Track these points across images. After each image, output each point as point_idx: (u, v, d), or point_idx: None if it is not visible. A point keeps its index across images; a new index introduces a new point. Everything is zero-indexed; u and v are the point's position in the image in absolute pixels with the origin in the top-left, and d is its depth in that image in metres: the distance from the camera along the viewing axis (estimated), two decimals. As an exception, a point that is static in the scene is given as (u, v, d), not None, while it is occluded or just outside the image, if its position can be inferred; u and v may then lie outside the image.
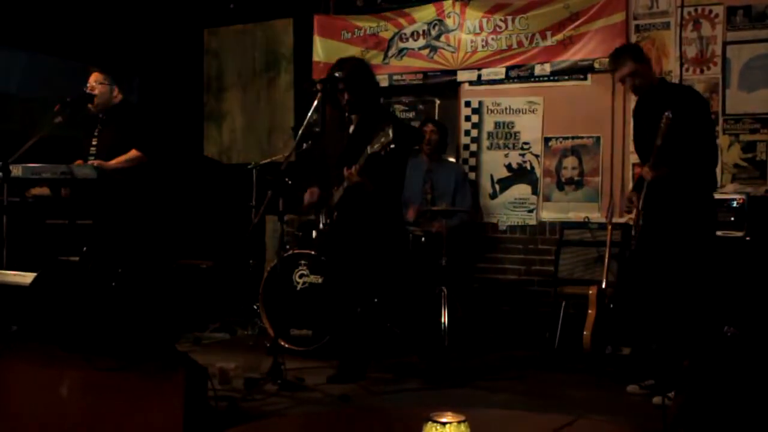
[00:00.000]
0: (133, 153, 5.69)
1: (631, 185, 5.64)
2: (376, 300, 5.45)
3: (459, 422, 2.11)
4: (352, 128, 5.16)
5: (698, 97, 4.96)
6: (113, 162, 5.62)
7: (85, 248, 5.24)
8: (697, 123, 4.76)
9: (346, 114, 5.22)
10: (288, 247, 6.26)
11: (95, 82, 5.89)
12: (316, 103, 5.21)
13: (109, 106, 5.91)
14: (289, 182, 5.72)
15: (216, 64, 8.46)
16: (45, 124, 5.54)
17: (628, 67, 4.86)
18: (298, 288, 5.97)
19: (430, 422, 2.11)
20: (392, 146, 4.68)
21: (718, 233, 5.13)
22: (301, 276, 5.98)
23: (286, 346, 5.74)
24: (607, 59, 6.46)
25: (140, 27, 7.85)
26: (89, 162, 5.68)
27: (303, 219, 6.55)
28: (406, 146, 5.21)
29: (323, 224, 5.29)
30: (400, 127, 5.09)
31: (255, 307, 6.29)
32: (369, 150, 4.80)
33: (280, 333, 5.55)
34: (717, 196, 5.38)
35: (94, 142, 5.91)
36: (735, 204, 5.42)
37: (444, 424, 2.10)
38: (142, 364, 3.70)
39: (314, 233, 5.53)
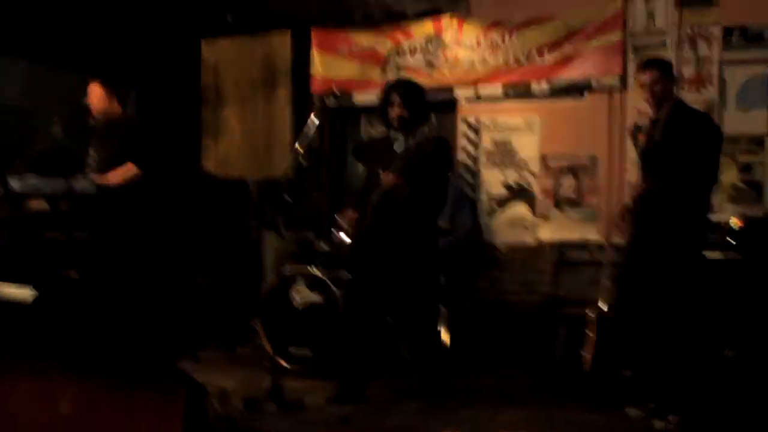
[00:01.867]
0: (129, 167, 5.68)
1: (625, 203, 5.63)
2: (387, 318, 5.50)
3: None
4: (398, 145, 5.19)
5: (711, 125, 4.97)
6: (110, 176, 5.59)
7: (84, 263, 5.23)
8: (698, 143, 4.75)
9: (394, 129, 5.26)
10: (286, 264, 6.23)
11: (94, 95, 5.88)
12: (315, 120, 5.23)
13: (108, 119, 5.90)
14: (288, 199, 5.72)
15: (214, 76, 8.43)
16: (44, 136, 5.53)
17: (654, 75, 4.88)
18: (297, 306, 5.95)
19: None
20: (428, 143, 4.90)
21: (716, 256, 5.15)
22: (299, 294, 5.96)
23: (285, 365, 5.73)
24: (604, 78, 6.58)
25: (138, 39, 7.83)
26: (89, 175, 5.66)
27: (302, 236, 6.53)
28: (445, 155, 5.30)
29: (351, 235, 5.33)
30: (443, 141, 5.33)
31: (253, 324, 6.27)
32: (412, 143, 4.97)
33: (278, 351, 5.54)
34: (714, 218, 5.40)
35: (92, 154, 5.90)
36: (734, 226, 5.42)
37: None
38: (141, 382, 3.69)
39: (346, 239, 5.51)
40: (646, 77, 4.93)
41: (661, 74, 4.89)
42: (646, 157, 4.95)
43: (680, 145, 4.69)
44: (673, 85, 5.00)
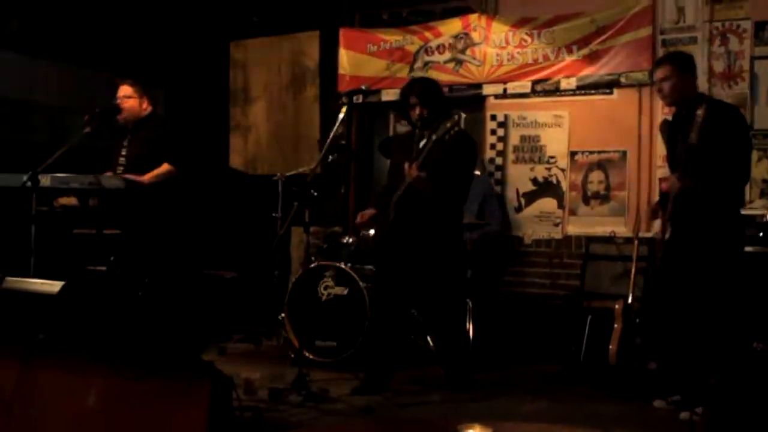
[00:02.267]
0: (165, 167, 5.74)
1: (657, 200, 5.59)
2: (412, 311, 5.50)
3: (488, 433, 2.10)
4: (422, 143, 5.18)
5: (736, 115, 4.91)
6: (147, 176, 5.65)
7: (112, 258, 5.28)
8: (733, 140, 4.70)
9: (417, 130, 5.28)
10: (313, 258, 6.27)
11: (124, 95, 5.95)
12: (341, 115, 5.26)
13: (137, 117, 5.96)
14: (315, 194, 5.74)
15: (242, 76, 8.50)
16: (74, 134, 5.58)
17: (663, 71, 4.85)
18: (323, 299, 5.98)
19: (459, 433, 2.11)
20: (456, 129, 4.89)
21: (747, 249, 5.10)
22: (326, 287, 5.99)
23: (311, 357, 5.77)
24: (633, 74, 6.54)
25: (167, 39, 7.91)
26: (119, 173, 5.72)
27: (328, 231, 6.56)
28: (468, 150, 5.29)
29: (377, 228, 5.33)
30: (464, 135, 5.37)
31: (280, 318, 6.31)
32: (434, 137, 4.93)
33: (304, 344, 5.57)
34: (745, 211, 5.34)
35: (123, 153, 5.95)
36: (764, 220, 5.37)
37: (473, 435, 2.09)
38: (167, 373, 3.72)
39: (371, 233, 5.54)
40: (658, 73, 4.91)
41: (673, 70, 4.82)
42: (679, 154, 4.87)
43: (715, 148, 4.62)
44: (691, 81, 4.90)
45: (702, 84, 6.21)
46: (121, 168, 5.88)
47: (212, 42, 8.35)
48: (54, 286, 4.35)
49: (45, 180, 5.20)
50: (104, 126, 5.86)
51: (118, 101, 5.92)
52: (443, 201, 5.15)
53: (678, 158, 4.81)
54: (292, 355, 5.64)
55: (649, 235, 5.93)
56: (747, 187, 5.86)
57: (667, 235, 4.87)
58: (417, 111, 5.17)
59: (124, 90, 5.96)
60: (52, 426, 3.87)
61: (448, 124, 4.89)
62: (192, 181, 5.98)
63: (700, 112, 4.55)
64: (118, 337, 4.03)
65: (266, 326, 6.85)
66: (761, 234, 5.33)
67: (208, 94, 8.33)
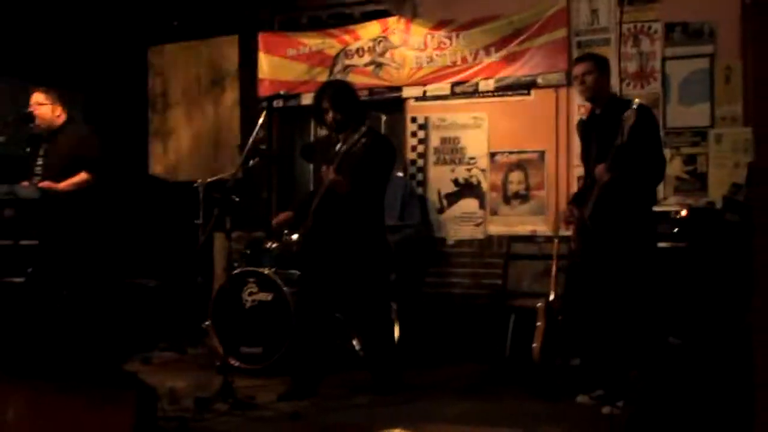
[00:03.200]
0: (82, 175, 5.64)
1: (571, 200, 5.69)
2: (338, 315, 5.53)
3: (413, 437, 2.12)
4: (339, 146, 5.18)
5: (649, 113, 5.04)
6: (62, 185, 5.55)
7: (29, 269, 5.18)
8: (651, 139, 4.83)
9: (334, 135, 5.29)
10: (236, 264, 6.22)
11: (36, 102, 5.84)
12: (261, 120, 5.24)
13: (52, 125, 5.85)
14: (237, 200, 5.70)
15: (161, 81, 8.40)
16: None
17: (586, 66, 4.99)
18: (248, 306, 5.95)
19: (384, 438, 2.12)
20: (364, 140, 4.89)
21: (661, 245, 5.23)
22: (250, 294, 5.95)
23: (237, 364, 5.73)
24: (550, 75, 6.66)
25: (84, 45, 7.76)
26: (35, 182, 5.61)
27: (251, 236, 6.53)
28: (383, 152, 5.27)
29: (298, 235, 5.33)
30: (379, 137, 5.36)
31: (204, 325, 6.25)
32: (344, 147, 4.95)
33: (229, 351, 5.53)
34: (660, 208, 5.48)
35: (39, 162, 5.84)
36: (677, 216, 5.51)
37: (398, 439, 2.11)
38: (89, 386, 3.66)
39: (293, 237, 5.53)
40: (578, 68, 5.04)
41: (594, 65, 4.99)
42: (590, 154, 5.00)
43: (639, 144, 4.72)
44: (606, 80, 5.08)
45: (615, 84, 6.34)
46: (38, 177, 5.78)
47: (131, 47, 8.23)
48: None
49: (-41, 191, 5.08)
50: (18, 134, 5.75)
51: (31, 108, 5.81)
52: (361, 203, 5.16)
53: (598, 155, 4.90)
54: (218, 363, 5.58)
55: (568, 233, 6.03)
56: (661, 185, 6.02)
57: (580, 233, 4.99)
58: (330, 115, 5.17)
59: (37, 97, 5.86)
60: (-30, 444, 3.78)
61: (356, 135, 4.92)
62: (110, 189, 5.89)
63: (629, 113, 4.63)
64: (37, 350, 3.96)
65: (191, 334, 6.78)
66: (675, 230, 5.47)
67: (127, 99, 8.21)
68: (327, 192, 5.07)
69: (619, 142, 4.65)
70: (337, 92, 5.25)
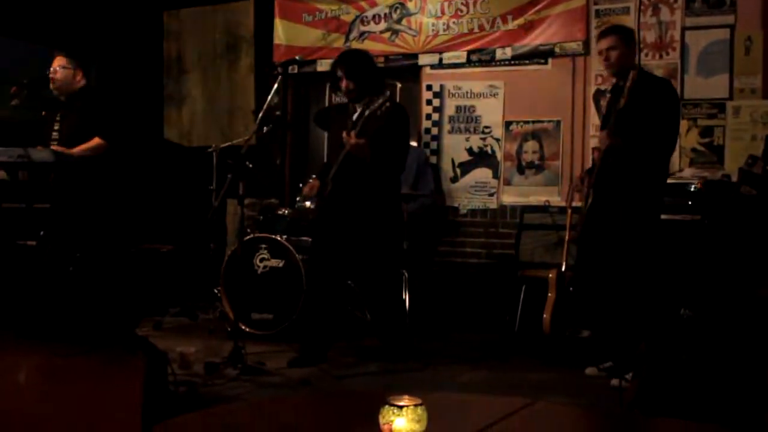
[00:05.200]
0: (96, 141, 5.63)
1: (586, 169, 5.66)
2: (348, 282, 5.54)
3: (416, 406, 2.12)
4: (355, 116, 5.15)
5: (671, 91, 4.99)
6: (76, 150, 5.55)
7: (42, 233, 5.19)
8: (660, 110, 4.78)
9: (350, 103, 5.26)
10: (248, 230, 6.23)
11: (58, 66, 5.82)
12: (276, 86, 5.22)
13: (71, 90, 5.84)
14: (250, 166, 5.70)
15: (176, 46, 8.38)
16: (1, 107, 5.47)
17: (610, 41, 4.91)
18: (259, 272, 5.96)
19: (387, 406, 2.12)
20: (388, 104, 4.83)
21: (676, 217, 5.19)
22: (261, 260, 5.97)
23: (247, 330, 5.75)
24: (568, 44, 6.60)
25: (99, 10, 7.74)
26: (51, 147, 5.61)
27: (264, 203, 6.52)
28: (402, 121, 5.25)
29: (316, 201, 5.32)
30: (399, 105, 5.32)
31: (216, 291, 6.27)
32: (366, 112, 4.89)
33: (241, 317, 5.55)
34: (674, 180, 5.44)
35: (56, 127, 5.84)
36: (692, 188, 5.47)
37: (401, 407, 2.10)
38: (101, 350, 3.68)
39: (307, 204, 5.52)
40: (603, 43, 4.96)
41: (619, 40, 4.91)
42: (608, 123, 4.96)
43: (643, 113, 4.70)
44: (632, 52, 5.01)
45: (633, 54, 6.30)
46: (55, 142, 5.77)
47: (145, 12, 8.20)
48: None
49: (-27, 154, 5.09)
50: (34, 98, 5.74)
51: (52, 71, 5.79)
52: (381, 171, 5.15)
53: (606, 125, 4.89)
54: (229, 329, 5.61)
55: (581, 204, 6.00)
56: (676, 156, 5.98)
57: (589, 201, 4.96)
58: (344, 84, 5.14)
59: (59, 60, 5.84)
60: (-18, 405, 3.81)
61: (380, 100, 4.85)
62: (125, 154, 5.89)
63: (629, 77, 4.61)
64: (49, 313, 3.98)
65: (202, 300, 6.82)
66: (690, 202, 5.43)
67: (141, 65, 8.19)
68: (346, 157, 5.05)
69: (619, 106, 4.63)
70: (353, 61, 5.21)
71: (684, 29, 6.31)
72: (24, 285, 4.86)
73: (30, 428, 3.67)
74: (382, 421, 2.12)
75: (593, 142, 6.31)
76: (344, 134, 4.99)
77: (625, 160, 4.77)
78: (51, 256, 5.12)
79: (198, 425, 2.40)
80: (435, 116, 7.16)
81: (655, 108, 4.74)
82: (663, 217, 5.06)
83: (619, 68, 4.93)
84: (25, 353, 3.76)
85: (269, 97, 5.17)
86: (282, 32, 7.69)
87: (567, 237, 5.54)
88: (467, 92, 7.05)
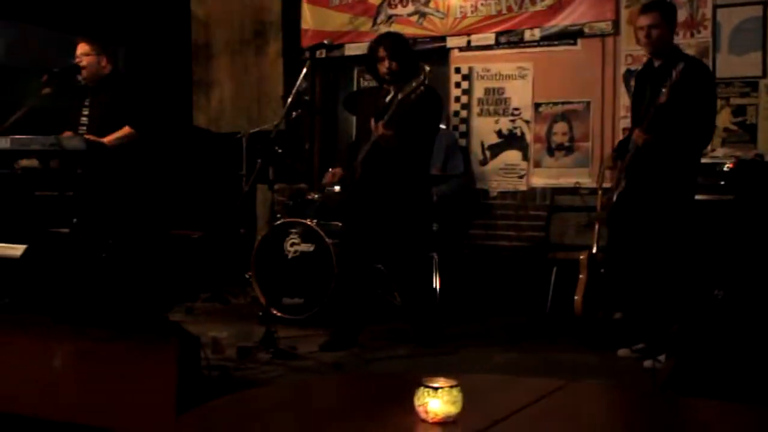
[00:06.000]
0: (127, 130, 5.65)
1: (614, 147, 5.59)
2: (379, 266, 5.56)
3: (451, 387, 2.12)
4: (389, 98, 5.14)
5: (708, 73, 4.89)
6: (107, 140, 5.58)
7: (75, 220, 5.23)
8: (701, 101, 4.68)
9: (385, 85, 5.25)
10: (279, 215, 6.25)
11: (82, 53, 5.83)
12: (304, 71, 5.21)
13: (98, 77, 5.85)
14: (279, 151, 5.71)
15: (204, 32, 8.39)
16: (33, 95, 5.50)
17: (653, 18, 4.74)
18: (290, 257, 5.98)
19: (422, 387, 2.12)
20: (422, 89, 4.80)
21: (708, 197, 5.14)
22: (292, 244, 5.98)
23: (279, 314, 5.77)
24: (597, 24, 6.53)
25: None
26: (81, 134, 5.64)
27: (294, 188, 6.54)
28: (434, 105, 5.27)
29: (343, 185, 5.35)
30: (432, 90, 5.25)
31: (247, 276, 6.30)
32: (399, 96, 4.87)
33: (272, 302, 5.57)
34: (707, 160, 5.38)
35: (85, 113, 5.87)
36: (725, 168, 5.41)
37: (436, 389, 2.10)
38: (134, 335, 3.71)
39: (336, 189, 5.54)
40: (644, 19, 4.77)
41: (661, 18, 4.75)
42: (646, 107, 4.84)
43: (684, 109, 4.60)
44: (673, 32, 4.89)
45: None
46: (84, 129, 5.80)
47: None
48: (17, 249, 4.32)
49: (5, 142, 5.12)
50: (64, 86, 5.77)
51: (78, 59, 5.82)
52: (409, 157, 5.14)
53: (644, 112, 4.79)
54: (260, 313, 5.63)
55: (610, 185, 5.96)
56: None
57: (621, 186, 4.90)
58: (386, 64, 5.12)
59: (82, 48, 5.85)
60: (19, 391, 3.85)
61: (414, 84, 4.82)
62: (155, 141, 5.91)
63: (678, 69, 4.48)
64: (83, 299, 4.01)
65: (233, 285, 6.85)
66: (722, 182, 5.37)
67: (170, 50, 8.22)
68: (374, 145, 5.04)
69: (660, 101, 4.52)
70: (397, 42, 5.22)
71: (715, 7, 6.22)
72: (58, 272, 4.91)
73: (65, 412, 3.71)
74: (417, 402, 2.12)
75: (623, 123, 6.27)
76: (372, 124, 4.98)
77: (662, 152, 4.70)
78: (84, 244, 5.16)
79: (231, 409, 2.41)
80: (464, 99, 7.13)
81: (696, 103, 4.63)
82: (696, 197, 5.00)
83: (658, 48, 4.80)
84: (61, 339, 3.80)
85: (297, 82, 5.16)
86: (309, 17, 7.68)
87: (598, 218, 5.50)
88: (496, 74, 7.01)
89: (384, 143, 4.97)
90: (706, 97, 4.75)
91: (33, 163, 5.47)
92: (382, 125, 4.93)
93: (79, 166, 5.41)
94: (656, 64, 4.87)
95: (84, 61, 5.80)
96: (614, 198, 4.95)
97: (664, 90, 4.50)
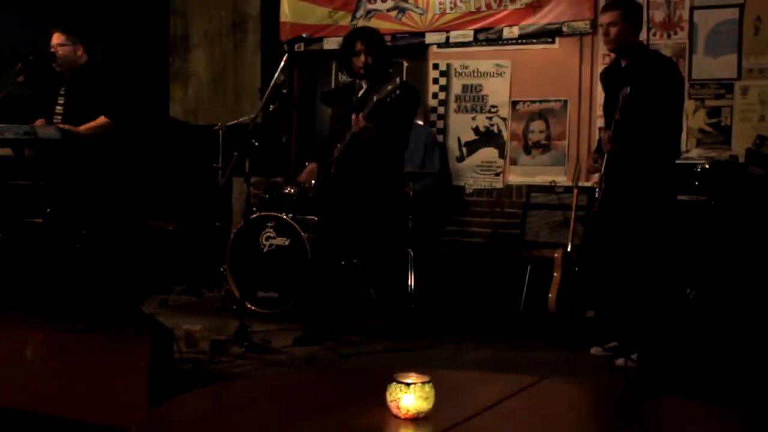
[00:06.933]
0: (102, 119, 5.62)
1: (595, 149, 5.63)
2: (354, 261, 5.55)
3: (423, 383, 2.12)
4: (361, 93, 5.16)
5: (672, 69, 4.90)
6: (82, 128, 5.54)
7: (49, 210, 5.20)
8: (664, 95, 4.71)
9: (358, 80, 5.25)
10: (254, 209, 6.23)
11: (57, 43, 5.79)
12: (282, 64, 5.20)
13: (74, 66, 5.82)
14: (256, 144, 5.69)
15: (182, 23, 8.34)
16: (6, 83, 5.45)
17: (611, 16, 4.78)
18: (265, 250, 5.97)
19: (395, 383, 2.12)
20: (398, 92, 4.78)
21: (683, 198, 5.18)
22: (267, 238, 5.97)
23: (253, 308, 5.77)
24: (575, 22, 6.56)
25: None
26: (56, 123, 5.60)
27: (270, 181, 6.52)
28: (412, 102, 5.27)
29: (318, 181, 5.32)
30: (411, 87, 5.31)
31: (221, 269, 6.28)
32: (375, 97, 4.85)
33: (246, 295, 5.56)
34: (681, 161, 5.41)
35: (60, 102, 5.82)
36: (699, 169, 5.45)
37: (408, 384, 2.11)
38: (107, 326, 3.69)
39: (312, 183, 5.54)
40: (604, 18, 4.84)
41: (620, 16, 4.77)
42: (613, 109, 4.89)
43: (647, 99, 4.65)
44: (635, 30, 4.88)
45: (642, 34, 6.22)
46: (59, 117, 5.76)
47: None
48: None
49: (-23, 130, 5.08)
50: (39, 74, 5.72)
51: (53, 50, 5.77)
52: (386, 152, 5.14)
53: (611, 109, 4.83)
54: (234, 307, 5.63)
55: (588, 184, 5.99)
56: (684, 137, 5.95)
57: (603, 185, 4.93)
58: (362, 59, 5.11)
59: (58, 38, 5.81)
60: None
61: (389, 87, 4.79)
62: (130, 131, 5.88)
63: (624, 93, 4.54)
64: (56, 289, 3.99)
65: (208, 278, 6.83)
66: (696, 183, 5.41)
67: (148, 41, 8.17)
68: (353, 139, 5.04)
69: (623, 96, 4.57)
70: (374, 37, 5.22)
71: (693, 8, 6.26)
72: (31, 262, 4.88)
73: (37, 403, 3.69)
74: (389, 398, 2.13)
75: (600, 123, 6.28)
76: (353, 116, 4.97)
77: (633, 151, 4.72)
78: (57, 234, 5.13)
79: (204, 402, 2.40)
80: (441, 95, 7.14)
81: (658, 91, 4.68)
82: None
83: (618, 45, 4.83)
84: (33, 329, 3.78)
85: (275, 75, 5.14)
86: (288, 10, 7.65)
87: (573, 217, 5.53)
88: (474, 71, 7.02)
89: (365, 135, 4.96)
90: (670, 93, 4.76)
91: (6, 151, 5.42)
92: (363, 117, 4.92)
93: (53, 156, 5.37)
94: (623, 63, 4.90)
95: (60, 51, 5.76)
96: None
97: (625, 86, 4.56)
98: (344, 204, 5.17)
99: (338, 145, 5.13)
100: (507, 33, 6.86)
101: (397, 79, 4.82)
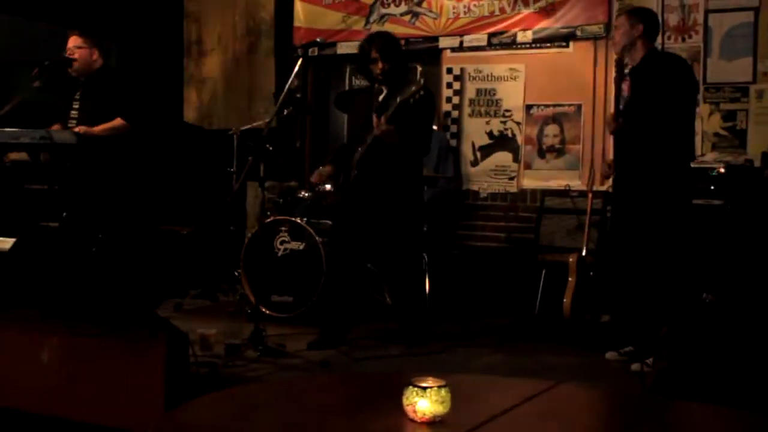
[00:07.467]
0: (118, 121, 5.64)
1: (611, 153, 5.62)
2: (369, 265, 5.56)
3: (440, 387, 2.12)
4: (381, 97, 5.17)
5: (682, 66, 4.91)
6: (97, 129, 5.56)
7: (64, 213, 5.21)
8: (673, 91, 4.72)
9: (377, 85, 5.26)
10: (269, 213, 6.24)
11: (74, 45, 5.81)
12: (296, 69, 5.21)
13: (89, 70, 5.84)
14: (270, 148, 5.70)
15: (196, 28, 8.37)
16: (23, 88, 5.48)
17: (617, 21, 4.92)
18: (279, 254, 5.97)
19: (411, 387, 2.12)
20: (422, 93, 4.83)
21: (698, 202, 5.16)
22: (282, 242, 5.98)
23: (267, 312, 5.77)
24: (589, 26, 6.55)
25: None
26: (71, 128, 5.62)
27: (284, 185, 6.53)
28: (432, 105, 5.31)
29: (336, 185, 5.34)
30: (430, 91, 5.28)
31: (236, 273, 6.29)
32: (399, 98, 4.87)
33: (261, 299, 5.57)
34: (697, 165, 5.40)
35: (75, 106, 5.85)
36: (714, 173, 5.43)
37: (425, 389, 2.11)
38: (123, 330, 3.70)
39: (327, 188, 5.55)
40: (615, 23, 4.93)
41: (625, 19, 4.87)
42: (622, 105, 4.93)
43: (652, 92, 4.66)
44: (635, 32, 4.87)
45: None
46: (74, 122, 5.78)
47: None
48: (6, 242, 4.31)
49: (-6, 135, 5.10)
50: (55, 79, 5.75)
51: (69, 52, 5.80)
52: (407, 156, 5.15)
53: (626, 110, 4.85)
54: (249, 311, 5.63)
55: (603, 188, 5.97)
56: (699, 141, 5.94)
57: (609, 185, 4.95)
58: (379, 65, 5.12)
59: (74, 40, 5.83)
60: (7, 385, 3.85)
61: (414, 88, 4.83)
62: (146, 135, 5.90)
63: (642, 65, 4.59)
64: (72, 294, 4.00)
65: (223, 282, 6.84)
66: (712, 187, 5.39)
67: (162, 46, 8.20)
68: (374, 142, 5.04)
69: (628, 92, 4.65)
70: (389, 43, 5.22)
71: (707, 12, 6.24)
72: (47, 266, 4.89)
73: (53, 407, 3.71)
74: (405, 402, 2.13)
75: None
76: (374, 118, 4.97)
77: (646, 149, 4.72)
78: (73, 238, 5.14)
79: (219, 406, 2.41)
80: (455, 99, 7.14)
81: (664, 85, 4.70)
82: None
83: (622, 47, 4.90)
84: (49, 333, 3.79)
85: (289, 80, 5.16)
86: (302, 15, 7.67)
87: (587, 221, 5.52)
88: (488, 75, 7.02)
89: (387, 138, 4.96)
90: (673, 78, 4.77)
91: (22, 156, 5.44)
92: (385, 119, 4.92)
93: (69, 160, 5.39)
94: (632, 65, 4.93)
95: (76, 54, 5.77)
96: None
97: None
98: (363, 207, 5.18)
99: (359, 149, 5.14)
100: (521, 37, 6.86)
101: (421, 80, 4.89)
